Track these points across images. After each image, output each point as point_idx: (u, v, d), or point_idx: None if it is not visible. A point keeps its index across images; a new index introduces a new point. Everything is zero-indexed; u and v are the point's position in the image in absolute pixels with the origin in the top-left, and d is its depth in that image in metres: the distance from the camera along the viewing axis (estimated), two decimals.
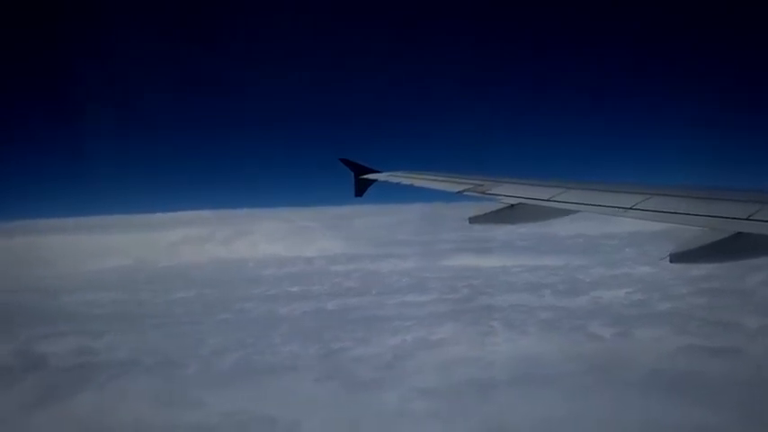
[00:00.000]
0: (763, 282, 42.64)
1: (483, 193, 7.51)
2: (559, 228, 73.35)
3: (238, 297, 51.42)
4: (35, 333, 38.65)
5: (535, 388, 27.10)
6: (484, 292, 48.72)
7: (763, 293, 41.10)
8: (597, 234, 76.18)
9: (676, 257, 5.02)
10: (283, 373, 30.99)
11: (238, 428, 24.98)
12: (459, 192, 7.94)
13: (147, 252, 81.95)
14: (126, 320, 42.86)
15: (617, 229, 73.09)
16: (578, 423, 23.79)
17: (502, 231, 76.33)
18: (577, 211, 6.29)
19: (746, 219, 4.84)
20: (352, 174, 11.16)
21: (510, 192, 7.20)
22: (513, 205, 6.88)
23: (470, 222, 7.19)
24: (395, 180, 9.98)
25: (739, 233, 4.78)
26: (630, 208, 5.79)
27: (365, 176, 10.95)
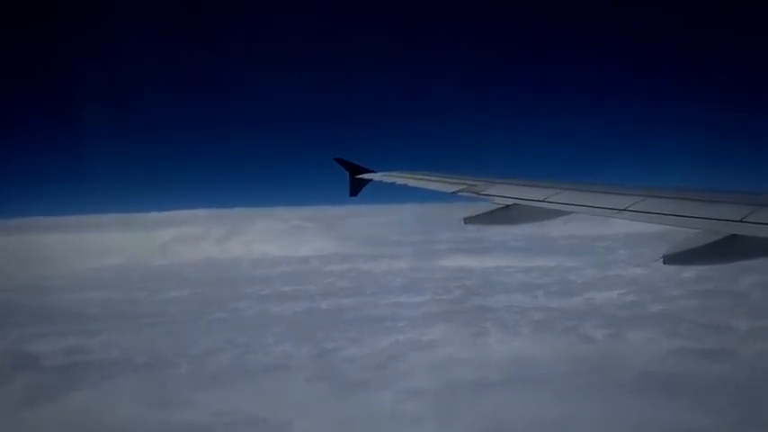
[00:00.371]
0: (756, 284, 42.79)
1: (477, 193, 7.52)
2: (553, 229, 73.51)
3: (232, 296, 51.32)
4: (27, 332, 38.45)
5: (527, 389, 27.15)
6: (477, 293, 48.76)
7: (756, 295, 41.27)
8: (591, 235, 76.36)
9: (670, 259, 5.04)
10: (276, 372, 30.96)
11: (229, 428, 24.94)
12: (453, 192, 7.95)
13: (141, 251, 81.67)
14: (119, 319, 42.72)
15: (610, 231, 73.30)
16: (570, 424, 23.85)
17: (495, 232, 76.55)
18: (572, 212, 6.30)
19: (740, 221, 4.86)
20: (347, 173, 11.18)
21: (504, 192, 7.21)
22: (507, 206, 6.89)
23: (465, 223, 7.19)
24: (389, 180, 9.99)
25: (733, 235, 4.79)
26: (624, 209, 5.80)
27: (360, 176, 10.97)
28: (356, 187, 11.07)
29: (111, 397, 28.10)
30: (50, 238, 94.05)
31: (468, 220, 7.16)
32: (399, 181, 9.63)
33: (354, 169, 11.12)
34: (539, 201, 6.64)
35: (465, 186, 7.86)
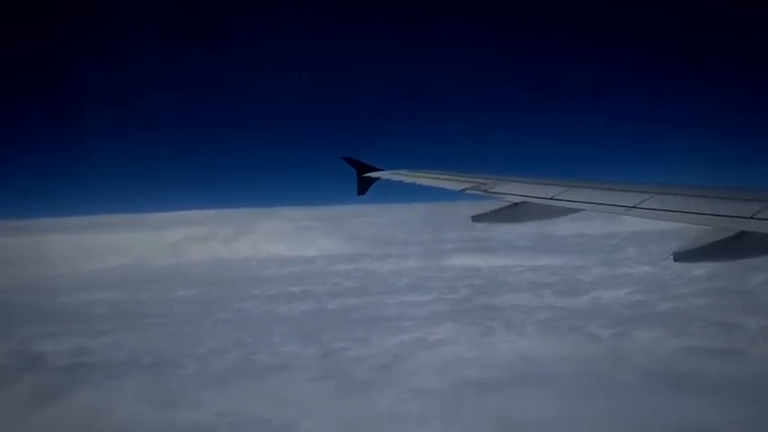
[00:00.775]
0: (766, 281, 42.56)
1: (486, 191, 7.48)
2: (561, 227, 73.42)
3: (238, 296, 51.39)
4: (34, 332, 38.57)
5: (533, 388, 27.06)
6: (484, 292, 48.69)
7: (766, 293, 41.02)
8: (599, 233, 76.14)
9: (680, 256, 4.99)
10: (282, 372, 30.95)
11: (234, 428, 24.94)
12: (461, 190, 7.90)
13: (147, 251, 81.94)
14: (125, 320, 42.83)
15: (619, 229, 73.14)
16: (576, 424, 23.76)
17: (503, 231, 76.48)
18: (581, 210, 6.26)
19: (750, 217, 4.82)
20: (355, 172, 11.18)
21: (513, 190, 7.17)
22: (516, 204, 6.85)
23: (474, 221, 7.15)
24: (397, 178, 9.96)
25: (743, 232, 4.75)
26: (633, 207, 5.76)
27: (368, 175, 10.96)
28: (364, 186, 11.08)
29: (117, 397, 28.13)
30: (57, 238, 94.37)
31: (476, 218, 7.13)
32: (407, 179, 9.60)
33: (362, 168, 11.14)
34: (548, 198, 6.60)
35: (473, 184, 7.82)
